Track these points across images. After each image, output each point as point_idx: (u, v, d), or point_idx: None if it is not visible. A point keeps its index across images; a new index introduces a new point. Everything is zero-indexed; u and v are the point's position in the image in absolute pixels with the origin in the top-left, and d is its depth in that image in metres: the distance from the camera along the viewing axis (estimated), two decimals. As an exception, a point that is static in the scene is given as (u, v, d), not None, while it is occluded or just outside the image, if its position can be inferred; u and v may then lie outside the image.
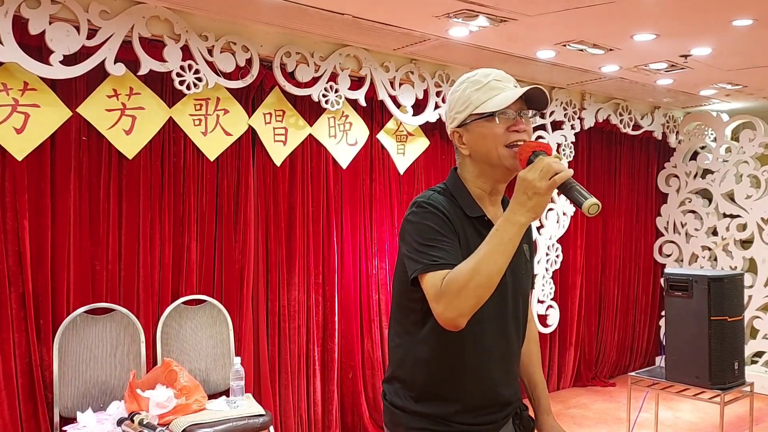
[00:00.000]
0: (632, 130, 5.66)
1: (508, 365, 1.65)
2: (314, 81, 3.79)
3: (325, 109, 3.88)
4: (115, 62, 3.10)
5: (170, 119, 3.44)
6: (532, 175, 1.40)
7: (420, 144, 4.52)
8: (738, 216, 5.75)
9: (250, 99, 3.73)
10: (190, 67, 3.33)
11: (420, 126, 4.38)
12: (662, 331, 5.86)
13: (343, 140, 4.10)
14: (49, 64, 2.95)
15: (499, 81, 1.59)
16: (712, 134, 6.08)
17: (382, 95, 4.08)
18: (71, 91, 3.15)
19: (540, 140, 1.56)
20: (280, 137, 3.84)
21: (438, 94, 4.36)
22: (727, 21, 3.30)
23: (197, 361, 3.53)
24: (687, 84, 4.84)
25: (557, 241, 5.22)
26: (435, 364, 1.58)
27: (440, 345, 1.56)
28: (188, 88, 3.34)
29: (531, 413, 1.79)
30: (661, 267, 6.13)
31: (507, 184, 1.63)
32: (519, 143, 1.54)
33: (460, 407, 1.57)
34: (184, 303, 3.53)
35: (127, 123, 3.29)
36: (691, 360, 3.73)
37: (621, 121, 5.53)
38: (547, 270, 5.18)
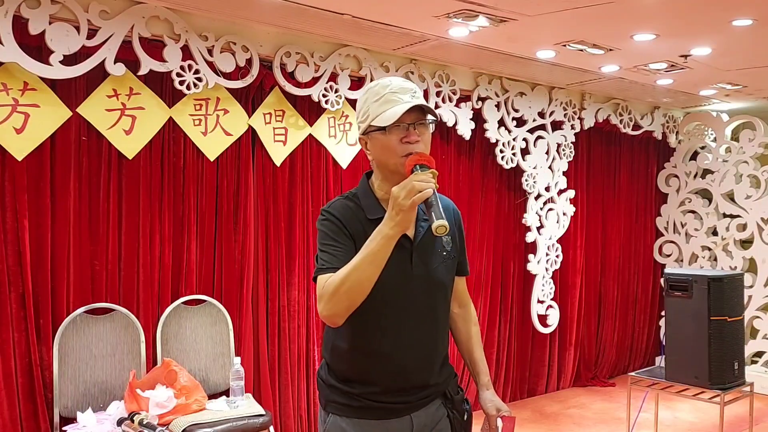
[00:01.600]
0: (632, 130, 5.66)
1: (424, 351, 1.76)
2: (314, 81, 3.79)
3: (325, 109, 3.88)
4: (115, 62, 3.11)
5: (170, 119, 3.44)
6: (398, 192, 1.53)
7: (420, 144, 4.51)
8: (738, 216, 5.75)
9: (250, 99, 3.73)
10: (190, 67, 3.33)
11: (420, 126, 4.37)
12: (662, 331, 5.87)
13: (343, 140, 4.11)
14: (49, 64, 2.95)
15: (395, 93, 1.66)
16: (712, 134, 6.08)
17: (382, 95, 4.07)
18: (71, 91, 3.15)
19: (421, 153, 1.66)
20: (280, 137, 3.84)
21: (438, 94, 4.36)
22: (727, 21, 3.30)
23: (197, 361, 3.53)
24: (687, 84, 4.84)
25: (557, 241, 5.22)
26: (349, 352, 1.73)
27: (353, 334, 1.70)
28: (188, 88, 3.34)
29: (466, 397, 1.91)
30: (661, 267, 6.13)
31: None
32: (412, 153, 1.63)
33: (373, 389, 1.71)
34: (184, 303, 3.53)
35: (127, 123, 3.29)
36: (690, 360, 3.73)
37: (621, 121, 5.53)
38: (547, 270, 5.18)
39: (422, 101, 1.67)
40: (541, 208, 5.09)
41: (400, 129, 1.64)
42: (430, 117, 1.68)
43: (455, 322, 1.96)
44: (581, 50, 3.85)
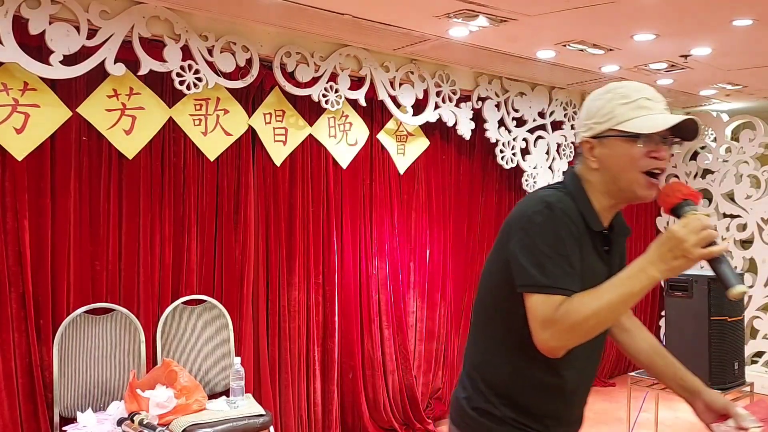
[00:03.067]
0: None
1: (590, 384, 1.62)
2: (314, 81, 3.79)
3: (325, 109, 3.88)
4: (115, 62, 3.10)
5: (170, 119, 3.44)
6: (686, 235, 1.31)
7: (420, 144, 4.52)
8: (738, 216, 5.75)
9: (250, 99, 3.73)
10: (190, 67, 3.33)
11: (420, 126, 4.38)
12: (662, 331, 5.86)
13: (343, 140, 4.10)
14: (49, 64, 2.95)
15: (650, 100, 1.48)
16: (712, 134, 6.08)
17: (382, 95, 4.08)
18: (71, 91, 3.15)
19: (681, 183, 1.46)
20: (280, 137, 3.84)
21: (438, 94, 4.36)
22: (727, 21, 3.30)
23: (197, 361, 3.53)
24: (687, 84, 4.84)
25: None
26: (522, 374, 1.52)
27: (531, 357, 1.46)
28: (188, 88, 3.34)
29: None
30: (661, 267, 6.11)
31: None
32: (656, 171, 1.46)
33: (540, 417, 1.53)
34: (184, 303, 3.53)
35: (127, 123, 3.29)
36: (691, 360, 3.67)
37: (621, 121, 5.53)
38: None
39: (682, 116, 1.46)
40: (541, 208, 5.08)
41: (651, 141, 1.44)
42: (675, 139, 1.46)
43: (631, 332, 1.76)
44: (581, 50, 3.85)
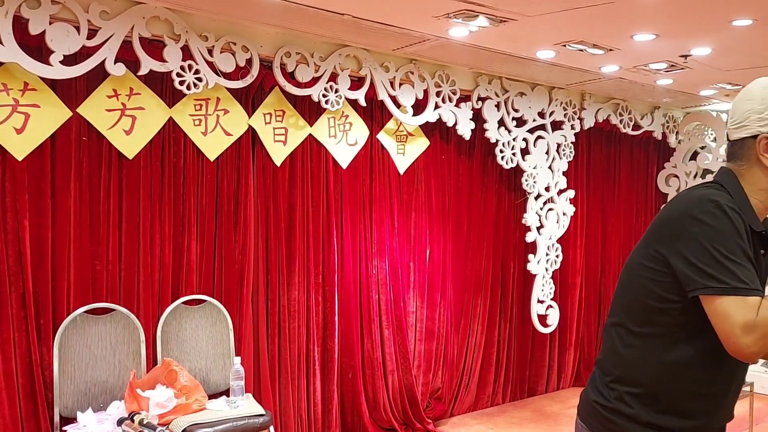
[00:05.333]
0: (632, 130, 5.66)
1: (737, 389, 1.57)
2: (314, 81, 3.79)
3: (325, 109, 3.88)
4: (115, 62, 3.11)
5: (170, 119, 3.44)
6: None
7: (420, 144, 4.52)
8: (738, 216, 5.74)
9: (250, 99, 3.73)
10: (190, 67, 3.33)
11: (420, 126, 4.38)
12: (662, 331, 5.86)
13: (343, 140, 4.11)
14: (49, 64, 2.95)
15: None
16: (712, 134, 6.08)
17: (382, 95, 4.08)
18: (71, 91, 3.16)
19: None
20: (280, 137, 3.84)
21: (438, 94, 4.36)
22: (727, 21, 3.30)
23: (197, 361, 3.53)
24: (687, 84, 4.84)
25: (557, 241, 5.22)
26: (680, 380, 1.46)
27: (693, 361, 1.43)
28: (188, 88, 3.34)
29: None
30: (661, 267, 6.12)
31: None
32: None
33: (694, 426, 1.48)
34: (184, 303, 3.54)
35: (127, 123, 3.29)
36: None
37: (621, 121, 5.53)
38: (547, 270, 5.18)
39: None
40: (541, 208, 5.08)
41: None
42: None
43: None
44: (581, 50, 3.85)
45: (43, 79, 3.01)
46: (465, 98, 4.52)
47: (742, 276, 1.32)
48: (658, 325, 1.47)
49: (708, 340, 1.39)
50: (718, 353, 1.38)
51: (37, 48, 2.98)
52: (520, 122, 4.87)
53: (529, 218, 5.01)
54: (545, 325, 5.20)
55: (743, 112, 1.50)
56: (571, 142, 5.20)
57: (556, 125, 5.11)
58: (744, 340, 1.30)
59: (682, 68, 4.29)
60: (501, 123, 4.74)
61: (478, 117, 4.63)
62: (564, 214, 5.22)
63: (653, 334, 1.48)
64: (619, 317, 1.56)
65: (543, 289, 5.16)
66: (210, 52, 3.39)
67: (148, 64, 3.20)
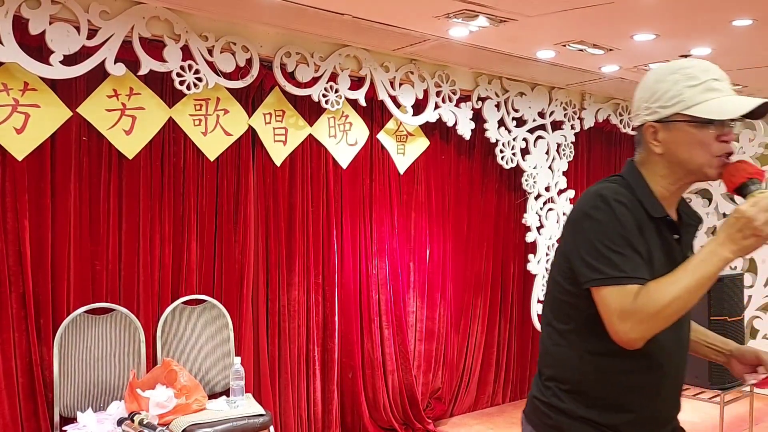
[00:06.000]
0: (632, 130, 5.65)
1: (679, 379, 1.57)
2: (314, 81, 3.79)
3: (325, 109, 3.88)
4: (115, 62, 3.11)
5: (170, 119, 3.44)
6: (755, 214, 1.29)
7: (420, 144, 4.52)
8: (738, 216, 5.74)
9: (250, 99, 3.73)
10: (190, 67, 3.33)
11: (420, 126, 4.38)
12: (662, 331, 5.86)
13: (343, 140, 4.11)
14: (49, 64, 2.95)
15: (718, 81, 1.43)
16: (712, 134, 6.07)
17: (382, 95, 4.08)
18: (71, 91, 3.16)
19: (747, 162, 1.44)
20: (280, 137, 3.84)
21: (438, 94, 4.36)
22: (727, 21, 3.30)
23: (197, 361, 3.53)
24: (687, 84, 4.84)
25: (557, 240, 5.22)
26: (604, 372, 1.48)
27: (613, 353, 1.43)
28: (188, 88, 3.34)
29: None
30: (661, 267, 6.12)
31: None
32: (726, 154, 1.43)
33: (630, 419, 1.48)
34: (184, 303, 3.54)
35: (127, 123, 3.29)
36: (690, 360, 3.71)
37: (621, 121, 5.53)
38: (547, 270, 5.18)
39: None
40: (541, 208, 5.08)
41: (721, 125, 1.41)
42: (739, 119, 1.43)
43: None
44: (581, 50, 3.85)
45: (43, 79, 3.01)
46: (465, 98, 4.52)
47: (623, 266, 1.35)
48: (574, 320, 1.50)
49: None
50: (643, 351, 1.40)
51: (37, 48, 2.98)
52: (520, 122, 4.87)
53: (529, 218, 5.01)
54: (545, 325, 5.19)
55: (636, 101, 1.55)
56: (571, 142, 5.20)
57: (556, 125, 5.10)
58: (621, 326, 1.34)
59: (682, 68, 4.28)
60: (501, 123, 4.74)
61: (478, 117, 4.63)
62: (564, 214, 5.22)
63: (572, 329, 1.51)
64: (546, 317, 1.60)
65: (543, 289, 5.16)
66: (210, 52, 3.39)
67: (148, 64, 3.20)
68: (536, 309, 5.13)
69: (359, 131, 4.18)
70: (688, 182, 1.50)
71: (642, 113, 1.51)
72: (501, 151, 4.77)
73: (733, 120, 1.42)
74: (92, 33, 3.04)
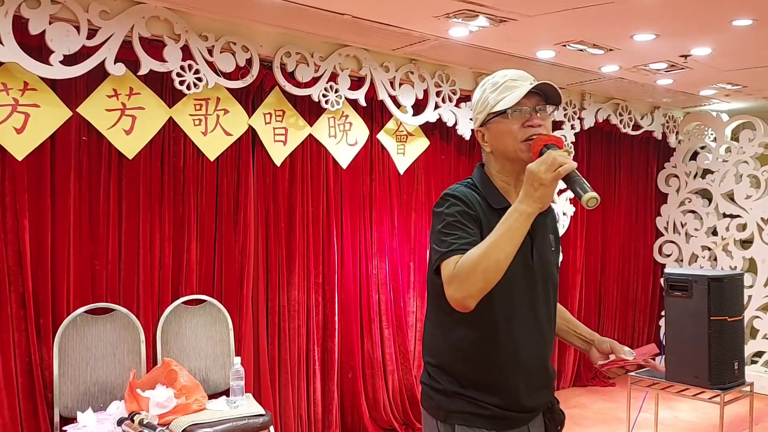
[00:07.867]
0: (632, 130, 5.66)
1: (544, 349, 1.74)
2: (314, 81, 3.79)
3: (325, 109, 3.88)
4: (115, 62, 3.11)
5: (170, 119, 3.44)
6: (538, 167, 1.49)
7: (420, 144, 4.52)
8: (738, 216, 5.75)
9: (250, 99, 3.73)
10: (190, 67, 3.33)
11: (420, 126, 4.38)
12: (662, 331, 5.86)
13: (343, 140, 4.11)
14: (49, 64, 2.95)
15: (515, 80, 1.67)
16: (712, 134, 6.08)
17: (382, 95, 4.08)
18: (71, 91, 3.15)
19: (547, 134, 1.66)
20: (280, 137, 3.84)
21: (438, 94, 4.36)
22: (727, 21, 3.30)
23: (197, 361, 3.53)
24: (687, 84, 4.84)
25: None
26: (470, 352, 1.65)
27: (473, 333, 1.64)
28: (188, 88, 3.34)
29: (561, 407, 1.85)
30: (661, 267, 6.13)
31: None
32: (534, 137, 1.61)
33: (500, 393, 1.65)
34: (184, 303, 3.53)
35: (127, 123, 3.29)
36: (690, 360, 3.72)
37: (621, 121, 5.53)
38: (547, 270, 5.17)
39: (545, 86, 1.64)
40: (541, 208, 5.08)
41: (522, 114, 1.63)
42: (550, 106, 1.67)
43: None
44: (581, 50, 3.85)
45: (43, 78, 3.01)
46: (465, 98, 4.52)
47: (452, 243, 1.55)
48: (441, 309, 1.65)
49: (481, 319, 1.59)
50: (487, 323, 1.61)
51: (37, 48, 2.98)
52: (520, 122, 4.86)
53: (529, 218, 5.00)
54: (545, 325, 5.19)
55: (472, 107, 1.79)
56: (571, 142, 5.20)
57: (556, 125, 5.11)
58: (449, 290, 1.52)
59: (682, 68, 4.29)
60: (501, 123, 4.74)
61: (478, 117, 4.63)
62: (564, 214, 5.23)
63: (441, 318, 1.70)
64: (427, 308, 1.81)
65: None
66: (210, 52, 3.39)
67: (148, 64, 3.20)
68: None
69: (359, 131, 4.18)
70: (515, 170, 1.67)
71: (473, 125, 1.78)
72: (501, 151, 4.77)
73: (536, 107, 1.63)
74: (92, 33, 3.04)
